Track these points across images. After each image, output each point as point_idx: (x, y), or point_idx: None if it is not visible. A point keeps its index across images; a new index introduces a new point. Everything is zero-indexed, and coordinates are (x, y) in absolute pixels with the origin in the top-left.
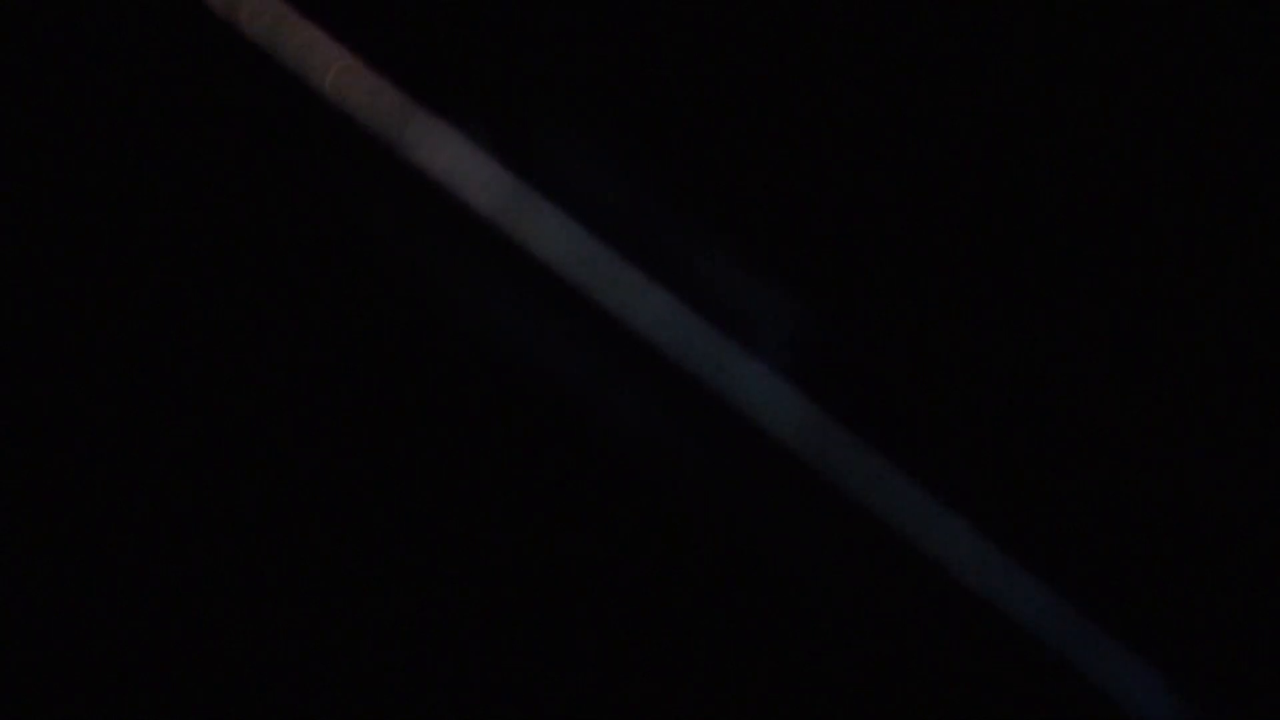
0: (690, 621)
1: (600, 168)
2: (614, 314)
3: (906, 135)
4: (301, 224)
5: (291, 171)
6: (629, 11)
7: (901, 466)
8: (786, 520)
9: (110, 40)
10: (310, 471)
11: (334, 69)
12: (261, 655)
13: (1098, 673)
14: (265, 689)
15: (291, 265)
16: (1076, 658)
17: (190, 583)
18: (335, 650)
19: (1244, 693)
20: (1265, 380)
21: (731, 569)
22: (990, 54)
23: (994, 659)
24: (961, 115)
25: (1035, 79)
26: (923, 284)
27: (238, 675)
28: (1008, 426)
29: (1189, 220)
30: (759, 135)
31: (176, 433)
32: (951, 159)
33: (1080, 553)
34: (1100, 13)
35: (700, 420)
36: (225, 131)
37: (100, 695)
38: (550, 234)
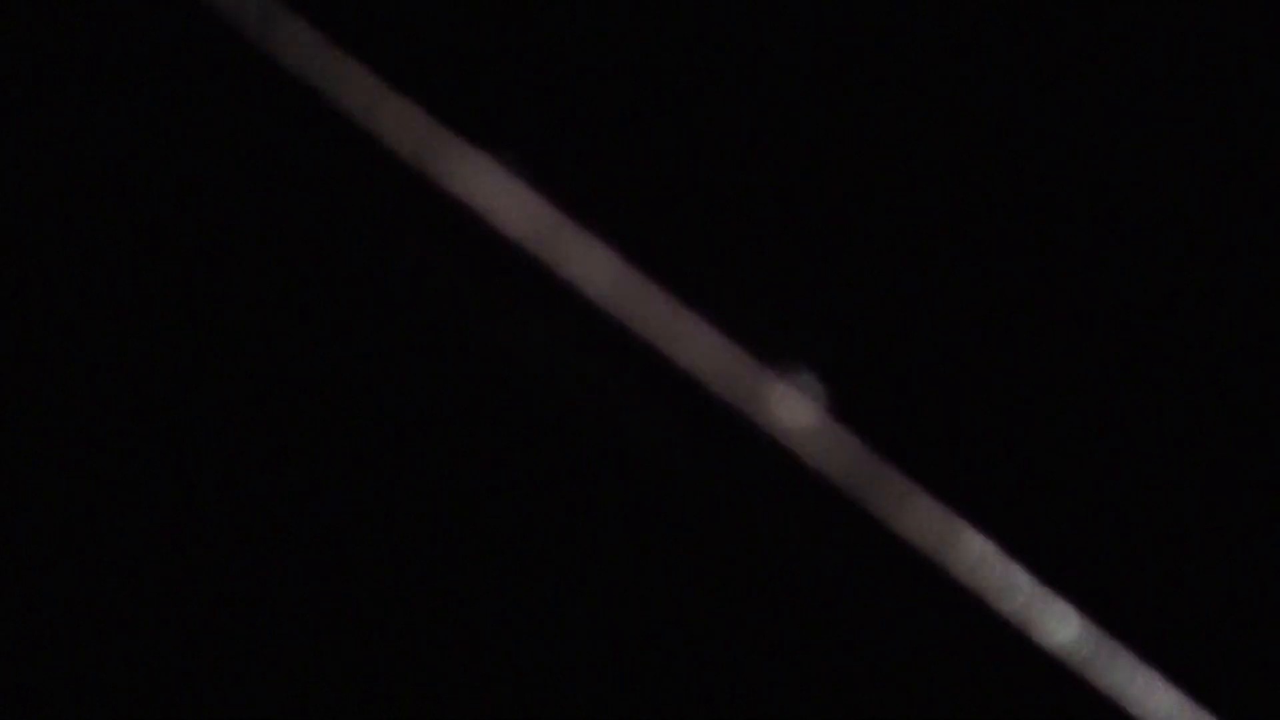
0: (729, 656)
1: (639, 198)
2: (652, 344)
3: (959, 173)
4: (337, 254)
5: (324, 201)
6: (670, 43)
7: (942, 498)
8: (825, 551)
9: (150, 59)
10: (344, 509)
11: (370, 99)
12: (264, 656)
13: (1131, 700)
14: (268, 689)
15: (324, 296)
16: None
17: (204, 587)
18: (346, 662)
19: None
20: None
21: (769, 601)
22: (1040, 110)
23: (1044, 697)
24: (1006, 160)
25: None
26: (963, 317)
27: (239, 676)
28: (1047, 455)
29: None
30: (799, 169)
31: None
32: (991, 199)
33: (1145, 599)
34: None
35: (738, 452)
36: (258, 161)
37: (100, 694)
38: (589, 265)
